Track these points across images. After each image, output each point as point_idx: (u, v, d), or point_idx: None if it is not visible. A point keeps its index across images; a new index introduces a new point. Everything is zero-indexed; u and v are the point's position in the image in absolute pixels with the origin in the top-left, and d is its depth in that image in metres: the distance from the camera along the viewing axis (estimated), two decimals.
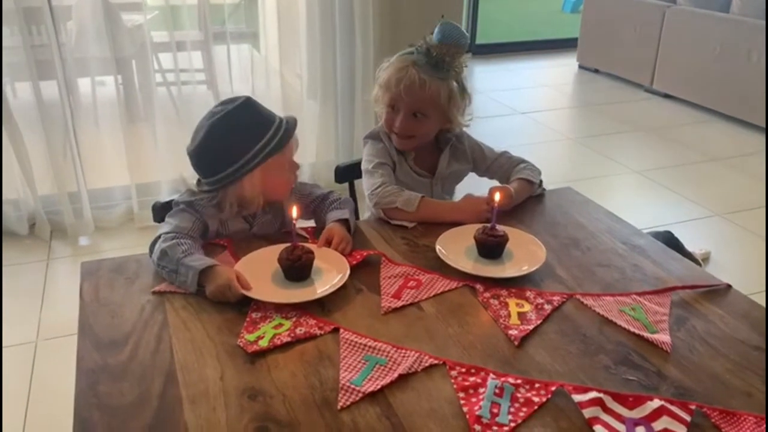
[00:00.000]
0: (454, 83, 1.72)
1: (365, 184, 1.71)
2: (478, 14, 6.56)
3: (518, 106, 5.27)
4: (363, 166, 1.76)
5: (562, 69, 6.36)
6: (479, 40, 6.71)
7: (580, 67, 6.27)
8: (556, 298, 1.30)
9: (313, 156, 3.61)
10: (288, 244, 1.33)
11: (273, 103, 3.45)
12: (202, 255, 1.36)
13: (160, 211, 1.60)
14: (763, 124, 4.56)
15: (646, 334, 1.20)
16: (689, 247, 2.83)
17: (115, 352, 1.14)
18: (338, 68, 3.42)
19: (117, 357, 1.12)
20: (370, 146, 1.79)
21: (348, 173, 1.95)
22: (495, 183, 1.83)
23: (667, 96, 5.39)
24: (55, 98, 3.09)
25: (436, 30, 1.67)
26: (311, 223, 1.64)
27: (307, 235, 1.53)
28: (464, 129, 1.87)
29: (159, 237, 1.40)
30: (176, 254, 1.32)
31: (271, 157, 1.43)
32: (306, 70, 3.50)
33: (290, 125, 1.47)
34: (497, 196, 1.44)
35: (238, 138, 1.42)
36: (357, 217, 1.71)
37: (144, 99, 3.38)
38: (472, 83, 6.00)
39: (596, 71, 6.10)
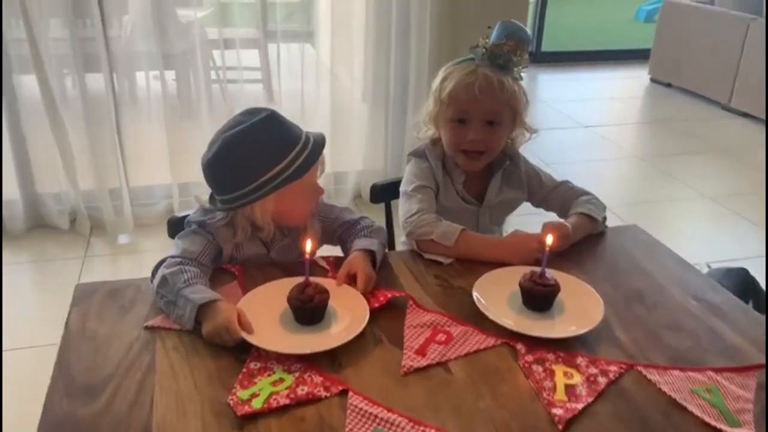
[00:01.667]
0: (523, 85, 1.54)
1: (401, 209, 1.52)
2: (545, 20, 6.27)
3: (582, 118, 4.98)
4: (402, 188, 1.58)
5: (632, 81, 6.01)
6: (545, 48, 6.42)
7: (652, 80, 5.91)
8: (612, 368, 1.08)
9: (359, 163, 3.44)
10: (300, 280, 1.16)
11: (323, 103, 3.32)
12: (206, 287, 1.20)
13: (176, 227, 1.45)
14: None
15: (725, 428, 0.97)
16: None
17: (88, 400, 0.98)
18: (392, 71, 3.25)
19: (89, 408, 0.97)
20: (413, 165, 1.61)
21: (385, 193, 1.76)
22: (551, 216, 1.61)
23: (745, 115, 4.99)
24: (101, 92, 3.03)
25: (496, 29, 1.50)
26: (336, 251, 1.45)
27: (327, 267, 1.35)
28: (521, 148, 1.66)
29: (163, 261, 1.24)
30: (177, 283, 1.17)
31: (289, 183, 1.26)
32: (360, 72, 3.34)
33: (316, 147, 1.30)
34: (550, 239, 1.23)
35: (254, 157, 1.25)
36: (391, 248, 1.52)
37: (195, 96, 3.28)
38: (534, 92, 5.82)
39: (669, 85, 5.73)
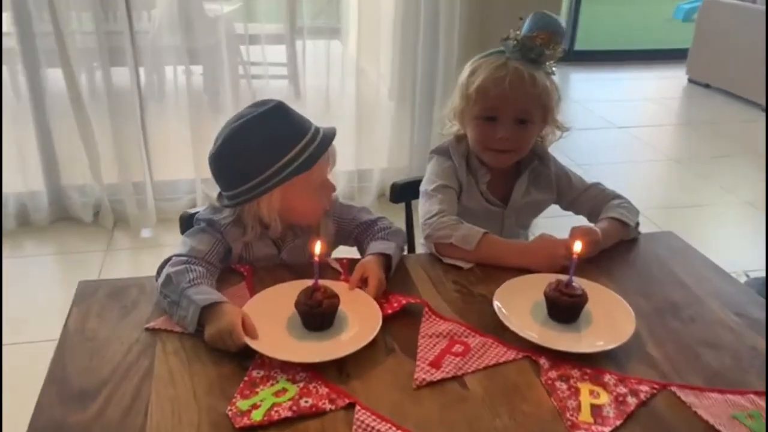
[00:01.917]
0: (555, 80, 1.45)
1: (421, 209, 1.44)
2: (579, 18, 6.12)
3: (616, 119, 4.84)
4: (422, 187, 1.50)
5: (669, 82, 5.84)
6: (578, 47, 6.27)
7: (690, 80, 5.72)
8: (644, 388, 1.00)
9: (384, 161, 3.37)
10: (310, 283, 1.09)
11: (348, 100, 3.26)
12: (212, 287, 1.14)
13: (188, 223, 1.40)
14: None
15: None
16: None
17: (81, 406, 0.93)
18: (419, 68, 3.17)
19: (81, 414, 0.91)
20: (435, 163, 1.53)
21: (406, 192, 1.69)
22: (580, 220, 1.52)
23: None
24: (126, 86, 3.02)
25: (528, 20, 1.41)
26: (354, 252, 1.39)
27: (341, 269, 1.28)
28: (550, 147, 1.57)
29: (169, 259, 1.19)
30: (181, 283, 1.11)
31: (294, 177, 1.19)
32: (387, 69, 3.27)
33: (325, 139, 1.23)
34: (578, 245, 1.14)
35: (258, 150, 1.19)
36: (410, 250, 1.44)
37: (220, 91, 3.23)
38: (566, 92, 5.69)
39: (707, 86, 5.54)
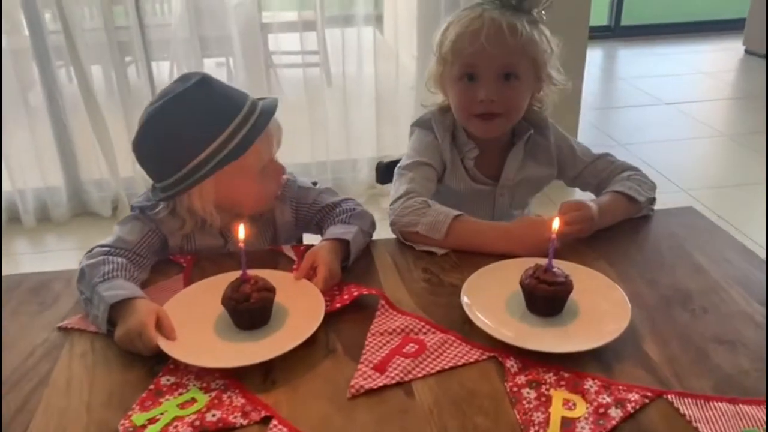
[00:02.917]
0: (546, 29, 1.25)
1: (391, 191, 1.27)
2: None
3: (664, 95, 4.51)
4: (398, 165, 1.32)
5: (724, 54, 5.43)
6: (624, 21, 5.91)
7: (747, 52, 5.31)
8: (633, 397, 0.80)
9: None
10: (236, 277, 0.94)
11: (377, 86, 3.10)
12: (130, 281, 1.00)
13: None
14: None
15: None
16: None
17: None
18: None
19: None
20: (416, 138, 1.35)
21: (392, 172, 1.51)
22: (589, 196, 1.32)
23: None
24: (138, 80, 2.98)
25: None
26: (313, 239, 1.23)
27: (295, 257, 1.13)
28: (549, 115, 1.37)
29: (92, 249, 1.06)
30: (94, 277, 0.97)
31: (225, 165, 1.04)
32: (416, 54, 3.10)
33: (261, 118, 1.06)
34: (557, 222, 0.95)
35: (183, 135, 1.04)
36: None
37: (238, 82, 3.12)
38: (612, 69, 5.37)
39: (765, 57, 5.12)
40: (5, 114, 2.84)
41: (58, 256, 2.84)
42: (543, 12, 1.23)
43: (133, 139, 1.08)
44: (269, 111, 1.08)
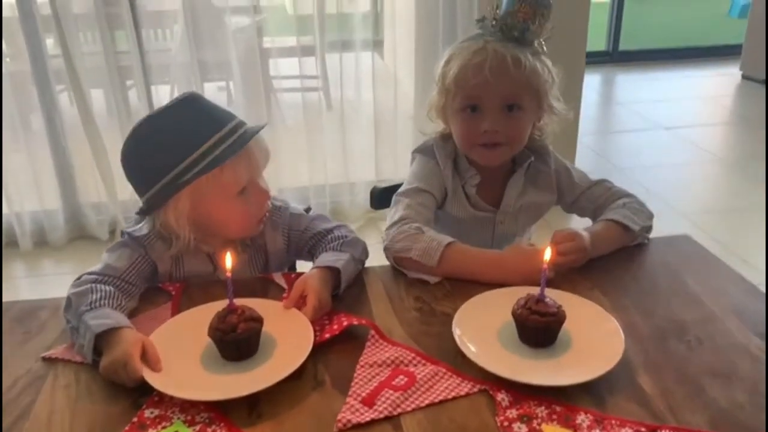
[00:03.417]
0: (547, 60, 1.25)
1: (388, 216, 1.26)
2: (622, 18, 5.81)
3: (662, 120, 4.52)
4: (398, 190, 1.32)
5: (721, 79, 5.45)
6: (623, 47, 5.95)
7: (744, 77, 5.33)
8: (626, 431, 0.79)
9: (406, 171, 3.19)
10: (224, 306, 0.93)
11: (372, 110, 3.12)
12: (117, 310, 0.98)
13: None
14: None
15: None
16: None
17: None
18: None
19: None
20: (417, 164, 1.34)
21: (388, 198, 1.50)
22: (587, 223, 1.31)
23: None
24: (137, 104, 2.99)
25: None
26: (306, 266, 1.21)
27: (286, 286, 1.11)
28: (549, 143, 1.37)
29: (80, 277, 1.05)
30: (80, 306, 0.96)
31: (198, 178, 1.03)
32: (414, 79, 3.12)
33: (242, 138, 1.06)
34: (548, 253, 0.94)
35: (164, 144, 1.04)
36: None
37: (249, 104, 3.12)
38: (610, 94, 5.39)
39: (765, 82, 5.14)
40: (5, 136, 2.85)
41: (54, 280, 2.82)
42: (543, 42, 1.23)
43: (120, 150, 1.08)
44: (252, 132, 1.08)
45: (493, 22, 1.22)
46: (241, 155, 1.06)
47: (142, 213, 1.09)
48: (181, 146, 1.03)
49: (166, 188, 1.03)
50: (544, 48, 1.25)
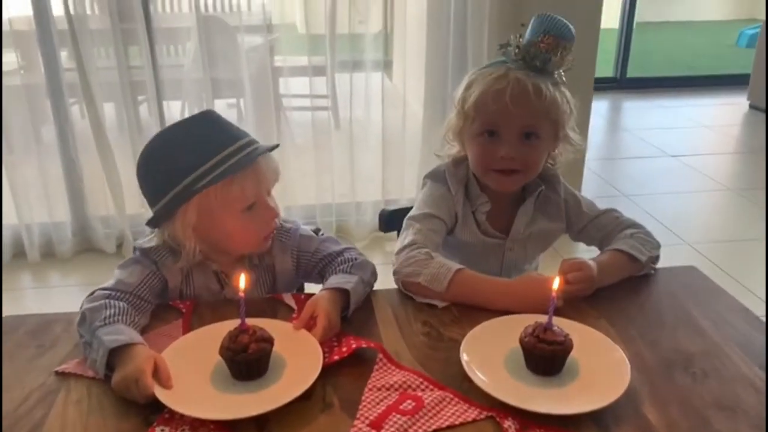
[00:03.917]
0: (566, 90, 1.26)
1: (398, 241, 1.27)
2: (630, 44, 5.87)
3: (669, 148, 4.54)
4: (408, 215, 1.33)
5: (728, 108, 5.48)
6: (630, 74, 6.00)
7: (751, 106, 5.36)
8: None
9: (412, 191, 3.22)
10: (235, 326, 0.94)
11: (382, 129, 3.16)
12: (130, 326, 1.00)
13: None
14: None
15: None
16: None
17: None
18: (448, 101, 3.01)
19: None
20: (427, 189, 1.35)
21: (396, 220, 1.52)
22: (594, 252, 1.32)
23: None
24: (149, 119, 3.03)
25: (531, 24, 1.23)
26: (314, 288, 1.23)
27: (295, 306, 1.13)
28: (560, 172, 1.38)
29: (93, 293, 1.06)
30: (95, 321, 0.98)
31: (207, 188, 1.05)
32: (423, 100, 3.15)
33: (250, 155, 1.08)
34: (557, 282, 0.95)
35: (176, 156, 1.07)
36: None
37: (259, 122, 3.16)
38: (617, 120, 5.42)
39: (765, 112, 5.16)
40: (17, 148, 2.89)
41: (61, 292, 2.85)
42: (563, 73, 1.25)
43: (136, 161, 1.11)
44: (262, 150, 1.10)
45: (516, 50, 1.23)
46: (249, 171, 1.08)
47: (152, 223, 1.12)
48: (192, 157, 1.05)
49: (175, 198, 1.06)
50: (563, 78, 1.27)
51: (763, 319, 1.11)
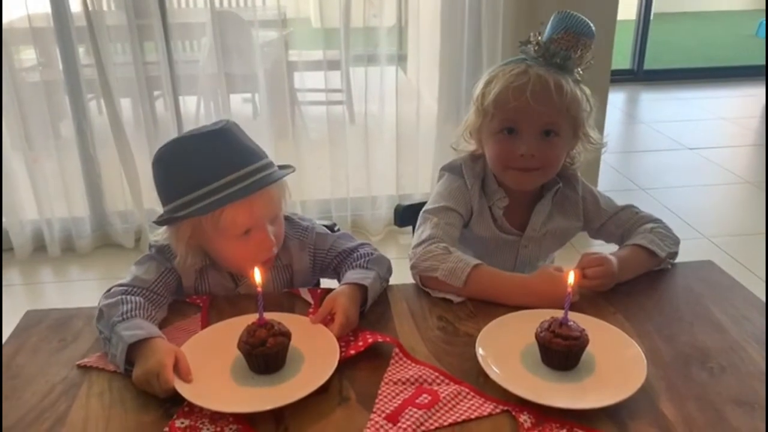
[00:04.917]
0: (586, 88, 1.25)
1: (414, 234, 1.28)
2: (648, 36, 5.81)
3: (687, 140, 4.50)
4: (424, 208, 1.33)
5: (747, 100, 5.42)
6: (647, 66, 5.94)
7: None
8: None
9: (427, 186, 3.22)
10: (253, 320, 0.95)
11: (397, 124, 3.15)
12: (148, 320, 1.01)
13: None
14: None
15: None
16: None
17: None
18: (462, 95, 3.00)
19: None
20: (444, 182, 1.34)
21: (411, 215, 1.52)
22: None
23: None
24: (165, 115, 3.04)
25: (551, 21, 1.22)
26: (329, 283, 1.24)
27: (312, 301, 1.14)
28: (579, 170, 1.37)
29: (110, 289, 1.08)
30: (113, 317, 0.99)
31: (197, 216, 1.06)
32: (438, 95, 3.14)
33: (259, 181, 1.06)
34: (572, 276, 0.95)
35: (176, 175, 1.07)
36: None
37: (273, 116, 3.17)
38: (634, 113, 5.37)
39: (765, 110, 5.10)
40: (36, 144, 2.92)
41: (81, 286, 2.88)
42: (581, 71, 1.24)
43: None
44: (267, 181, 1.08)
45: (536, 47, 1.22)
46: (243, 203, 1.06)
47: (158, 223, 1.13)
48: (189, 179, 1.05)
49: (170, 213, 1.07)
50: (583, 75, 1.26)
51: None
